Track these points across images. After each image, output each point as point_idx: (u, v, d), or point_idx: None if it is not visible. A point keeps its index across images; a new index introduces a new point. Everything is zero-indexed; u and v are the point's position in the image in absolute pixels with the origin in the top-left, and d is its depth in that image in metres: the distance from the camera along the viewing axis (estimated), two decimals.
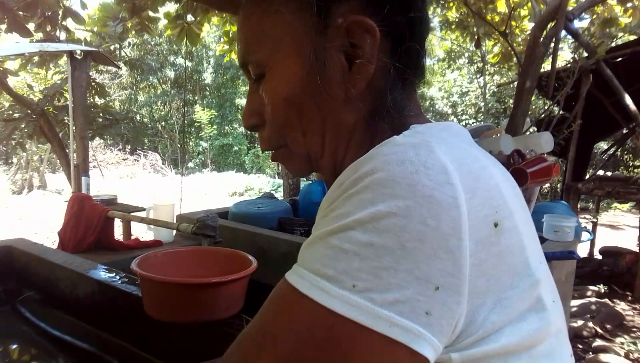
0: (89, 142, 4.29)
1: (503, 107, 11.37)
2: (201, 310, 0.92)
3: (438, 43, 12.99)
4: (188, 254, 1.10)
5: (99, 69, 9.91)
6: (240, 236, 1.71)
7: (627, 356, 3.41)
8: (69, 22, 4.11)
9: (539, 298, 0.44)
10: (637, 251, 4.88)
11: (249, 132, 10.28)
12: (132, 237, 2.57)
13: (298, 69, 0.54)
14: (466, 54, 11.42)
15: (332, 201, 0.43)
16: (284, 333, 0.40)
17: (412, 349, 0.37)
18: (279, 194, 4.90)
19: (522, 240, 0.44)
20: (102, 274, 1.18)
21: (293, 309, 0.40)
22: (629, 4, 4.70)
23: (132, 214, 1.79)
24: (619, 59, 4.41)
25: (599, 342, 3.62)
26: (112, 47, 5.64)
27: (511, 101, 9.95)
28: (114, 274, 1.19)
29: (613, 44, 5.48)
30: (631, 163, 10.85)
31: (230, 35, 4.63)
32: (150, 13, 4.05)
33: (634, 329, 3.95)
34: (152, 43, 15.14)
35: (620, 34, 6.64)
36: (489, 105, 11.23)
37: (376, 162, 0.41)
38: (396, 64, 0.54)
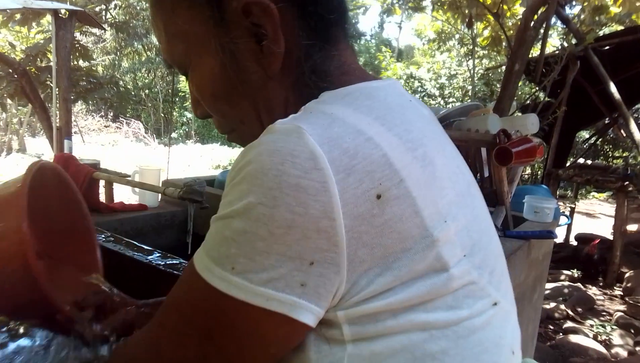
0: (72, 106, 4.20)
1: (490, 90, 11.42)
2: None
3: (429, 24, 12.92)
4: None
5: (83, 30, 9.66)
6: None
7: (595, 338, 3.53)
8: None
9: (437, 257, 0.46)
10: (612, 239, 5.00)
11: None
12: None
13: (213, 65, 0.54)
14: (456, 36, 11.38)
15: (227, 183, 0.47)
16: (184, 303, 0.48)
17: (290, 317, 0.43)
18: None
19: (415, 204, 0.45)
20: None
21: (192, 285, 0.47)
22: None
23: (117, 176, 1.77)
24: (607, 47, 4.45)
25: (569, 324, 3.74)
26: (97, 9, 5.50)
27: (498, 85, 10.00)
28: (101, 234, 1.18)
29: (602, 33, 5.52)
30: (611, 154, 11.02)
31: None
32: None
33: (604, 313, 4.08)
34: (139, 7, 14.76)
35: (609, 23, 6.68)
36: (477, 88, 11.27)
37: (253, 152, 0.44)
38: (304, 30, 0.53)
